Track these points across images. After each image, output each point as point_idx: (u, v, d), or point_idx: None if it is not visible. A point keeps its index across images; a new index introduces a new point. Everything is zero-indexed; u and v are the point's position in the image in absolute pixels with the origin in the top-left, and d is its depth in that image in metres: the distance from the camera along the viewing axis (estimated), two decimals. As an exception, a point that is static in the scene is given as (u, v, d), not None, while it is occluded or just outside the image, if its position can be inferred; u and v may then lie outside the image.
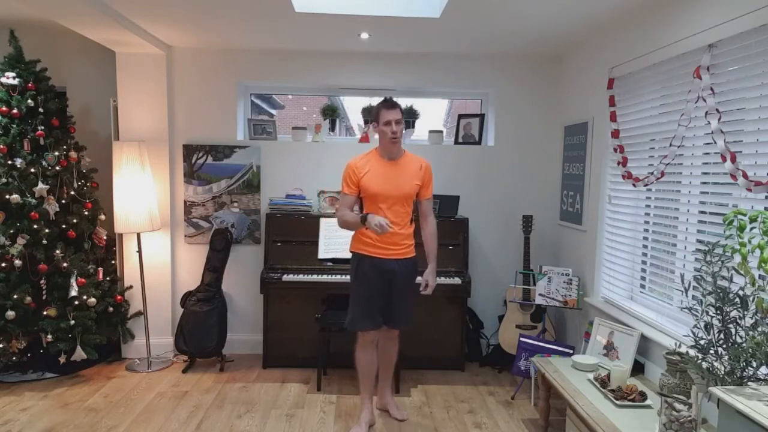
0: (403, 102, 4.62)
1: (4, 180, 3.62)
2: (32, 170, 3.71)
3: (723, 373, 2.01)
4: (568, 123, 4.16)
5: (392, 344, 3.32)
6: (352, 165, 3.10)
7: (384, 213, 3.04)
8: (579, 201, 3.92)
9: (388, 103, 3.09)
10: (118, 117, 4.21)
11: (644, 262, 3.22)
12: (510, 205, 4.50)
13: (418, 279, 3.19)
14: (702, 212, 2.69)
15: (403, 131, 3.14)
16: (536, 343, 3.61)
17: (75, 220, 3.89)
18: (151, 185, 4.11)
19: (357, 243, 3.13)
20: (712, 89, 2.48)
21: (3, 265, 3.59)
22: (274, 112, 7.41)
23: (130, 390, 3.72)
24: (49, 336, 3.68)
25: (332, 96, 4.86)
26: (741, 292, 2.00)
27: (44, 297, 3.72)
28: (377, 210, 3.06)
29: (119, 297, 4.14)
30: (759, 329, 1.92)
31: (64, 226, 3.84)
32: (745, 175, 2.22)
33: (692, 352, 2.17)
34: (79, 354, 3.77)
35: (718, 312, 2.05)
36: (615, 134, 3.39)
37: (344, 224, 3.10)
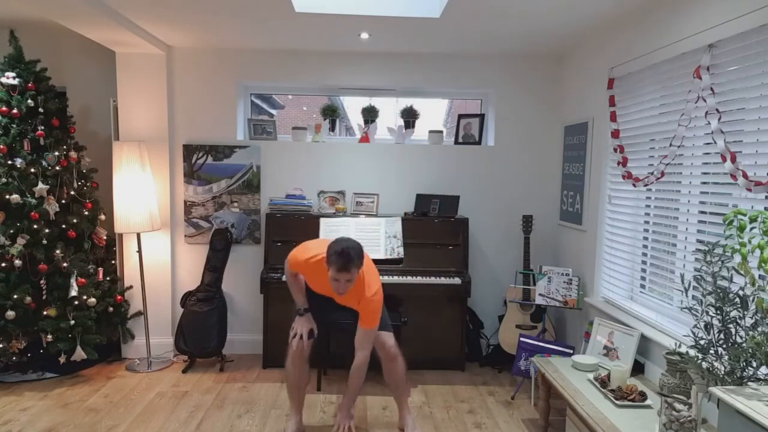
0: (403, 102, 4.62)
1: (4, 180, 3.62)
2: (32, 170, 3.71)
3: (723, 373, 2.01)
4: (568, 123, 4.16)
5: (392, 366, 3.07)
6: (301, 262, 2.93)
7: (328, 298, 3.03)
8: (579, 201, 3.92)
9: (343, 262, 2.68)
10: (118, 117, 4.21)
11: (644, 262, 3.22)
12: (510, 205, 4.51)
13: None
14: (702, 212, 2.69)
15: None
16: (536, 343, 3.61)
17: (75, 220, 3.89)
18: (151, 185, 4.11)
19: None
20: (712, 89, 2.48)
21: (3, 265, 3.59)
22: (274, 112, 7.40)
23: (130, 390, 3.72)
24: (49, 336, 3.68)
25: (332, 96, 4.85)
26: (741, 292, 2.00)
27: (44, 297, 3.72)
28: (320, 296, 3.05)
29: (119, 297, 4.14)
30: (759, 329, 1.92)
31: (64, 226, 3.84)
32: (745, 175, 2.22)
33: (692, 352, 2.17)
34: (79, 354, 3.77)
35: (718, 312, 2.05)
36: (615, 134, 3.39)
37: (290, 289, 3.10)
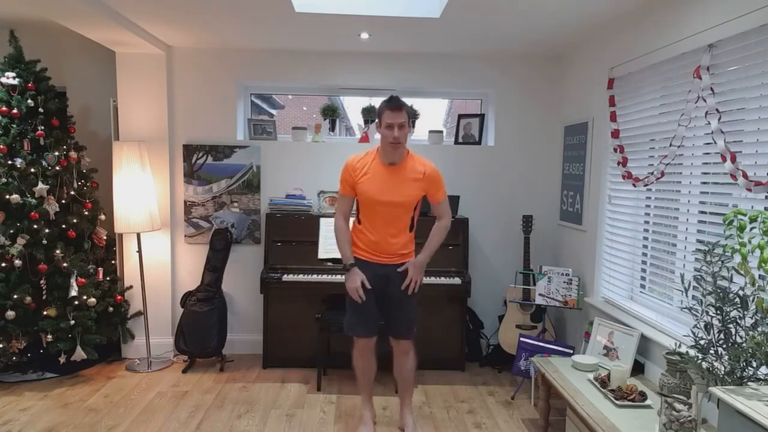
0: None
1: (4, 180, 3.62)
2: (32, 170, 3.71)
3: (723, 373, 2.01)
4: (568, 123, 4.15)
5: (404, 359, 3.08)
6: (350, 165, 2.94)
7: (380, 218, 2.92)
8: (579, 201, 3.92)
9: (392, 104, 2.84)
10: (118, 117, 4.21)
11: (644, 262, 3.22)
12: (510, 205, 4.50)
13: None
14: (702, 212, 2.69)
15: (409, 133, 2.95)
16: (536, 343, 3.61)
17: (75, 220, 3.89)
18: (151, 185, 4.11)
19: (352, 240, 3.02)
20: (712, 89, 2.48)
21: (3, 265, 3.59)
22: (274, 112, 7.40)
23: (130, 390, 3.72)
24: (49, 336, 3.68)
25: (332, 96, 4.85)
26: (741, 292, 2.00)
27: (44, 297, 3.72)
28: (373, 215, 2.92)
29: (119, 297, 4.14)
30: (759, 329, 1.92)
31: (64, 226, 3.84)
32: (745, 175, 2.22)
33: (692, 352, 2.17)
34: (79, 354, 3.77)
35: (718, 312, 2.05)
36: (615, 134, 3.39)
37: (337, 241, 3.02)
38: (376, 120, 2.94)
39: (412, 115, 2.89)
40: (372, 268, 2.96)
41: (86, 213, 3.99)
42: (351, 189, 2.95)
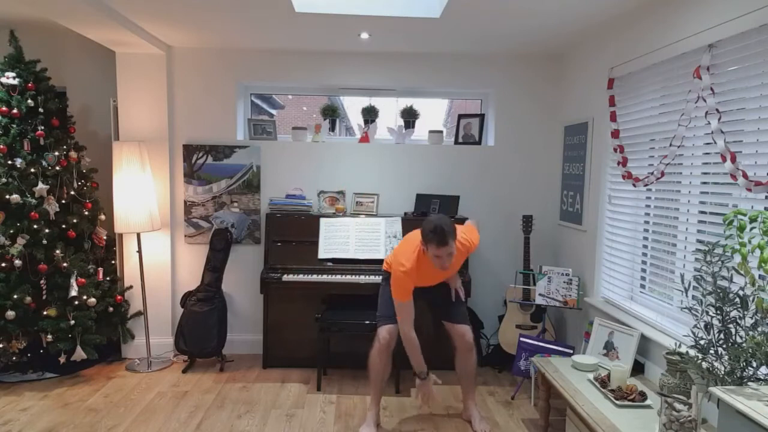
0: (403, 102, 4.62)
1: (4, 180, 3.62)
2: (32, 170, 3.71)
3: (723, 373, 2.01)
4: (568, 123, 4.16)
5: (468, 355, 3.26)
6: (410, 274, 2.97)
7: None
8: (579, 201, 3.92)
9: (440, 238, 2.83)
10: (118, 117, 4.21)
11: (644, 262, 3.22)
12: (510, 205, 4.51)
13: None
14: (702, 212, 2.69)
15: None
16: (536, 343, 3.61)
17: (75, 220, 3.89)
18: (151, 185, 4.11)
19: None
20: (712, 89, 2.48)
21: (3, 265, 3.59)
22: (274, 112, 7.40)
23: (130, 390, 3.72)
24: (49, 336, 3.68)
25: (332, 96, 4.85)
26: (741, 292, 2.00)
27: (44, 297, 3.72)
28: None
29: (119, 297, 4.14)
30: (759, 329, 1.92)
31: (64, 226, 3.84)
32: (745, 175, 2.22)
33: (692, 352, 2.17)
34: (79, 354, 3.77)
35: (718, 312, 2.05)
36: (615, 134, 3.39)
37: (409, 351, 3.08)
38: (422, 241, 2.96)
39: (455, 233, 2.98)
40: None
41: (86, 213, 4.00)
42: (412, 294, 3.04)
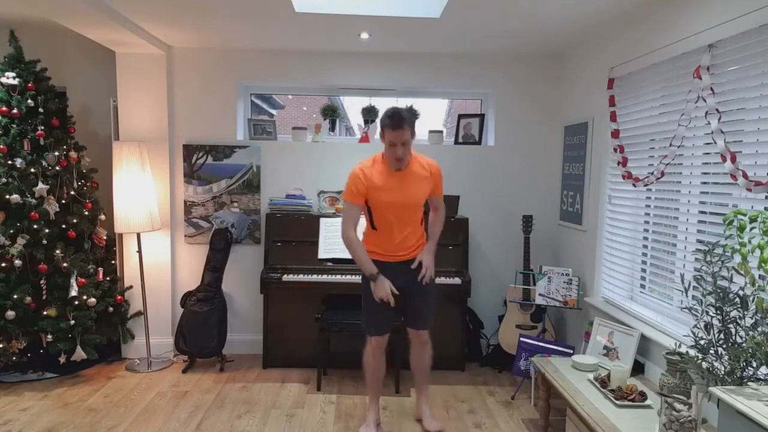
0: (403, 102, 4.62)
1: (4, 180, 3.62)
2: (32, 170, 3.71)
3: (723, 373, 2.01)
4: (568, 123, 4.15)
5: (422, 349, 3.19)
6: (360, 174, 2.90)
7: (396, 221, 2.97)
8: (579, 201, 3.92)
9: (393, 121, 2.78)
10: (118, 117, 4.21)
11: (644, 262, 3.22)
12: (510, 205, 4.51)
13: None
14: (702, 212, 2.69)
15: (411, 143, 2.92)
16: (536, 343, 3.61)
17: (75, 220, 3.89)
18: (151, 185, 4.11)
19: (366, 247, 3.02)
20: (712, 89, 2.48)
21: (3, 265, 3.59)
22: (274, 112, 7.40)
23: (130, 390, 3.72)
24: (49, 336, 3.68)
25: (332, 96, 4.85)
26: (741, 292, 2.00)
27: (44, 297, 3.72)
28: (389, 218, 2.95)
29: (119, 297, 4.14)
30: (759, 329, 1.92)
31: (64, 226, 3.84)
32: (745, 175, 2.22)
33: (692, 352, 2.17)
34: (79, 354, 3.77)
35: (718, 312, 2.05)
36: (615, 134, 3.39)
37: (351, 253, 2.97)
38: (379, 131, 2.94)
39: (413, 123, 2.88)
40: (389, 269, 2.99)
41: (86, 213, 4.00)
42: (362, 197, 2.94)
